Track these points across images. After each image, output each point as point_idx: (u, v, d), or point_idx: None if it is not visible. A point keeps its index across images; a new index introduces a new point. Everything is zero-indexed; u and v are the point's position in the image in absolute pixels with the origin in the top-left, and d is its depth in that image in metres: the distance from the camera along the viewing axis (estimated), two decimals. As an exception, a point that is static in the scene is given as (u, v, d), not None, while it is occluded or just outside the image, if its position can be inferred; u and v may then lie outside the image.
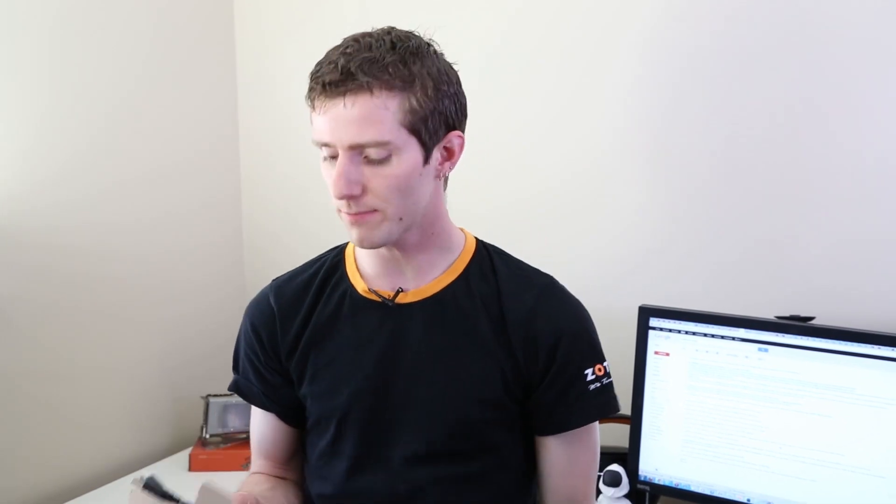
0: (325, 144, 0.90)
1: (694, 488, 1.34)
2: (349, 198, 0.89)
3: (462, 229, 1.05)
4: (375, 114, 0.87)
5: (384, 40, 0.89)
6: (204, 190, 1.85)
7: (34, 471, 1.51)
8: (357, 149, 0.88)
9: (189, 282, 1.82)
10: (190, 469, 1.64)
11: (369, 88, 0.86)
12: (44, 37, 1.49)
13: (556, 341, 0.97)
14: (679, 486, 1.35)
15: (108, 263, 1.63)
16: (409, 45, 0.90)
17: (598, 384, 0.99)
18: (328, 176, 0.91)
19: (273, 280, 1.10)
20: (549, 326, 0.98)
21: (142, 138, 1.69)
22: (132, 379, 1.70)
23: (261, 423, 1.11)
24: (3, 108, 1.43)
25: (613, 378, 1.03)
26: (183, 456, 1.70)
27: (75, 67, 1.54)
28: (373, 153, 0.88)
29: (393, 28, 0.92)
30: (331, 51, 0.91)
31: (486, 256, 1.03)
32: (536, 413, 1.00)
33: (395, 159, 0.89)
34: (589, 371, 0.98)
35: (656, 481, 1.37)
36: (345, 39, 0.91)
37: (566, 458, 1.01)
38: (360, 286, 1.02)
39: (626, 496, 1.38)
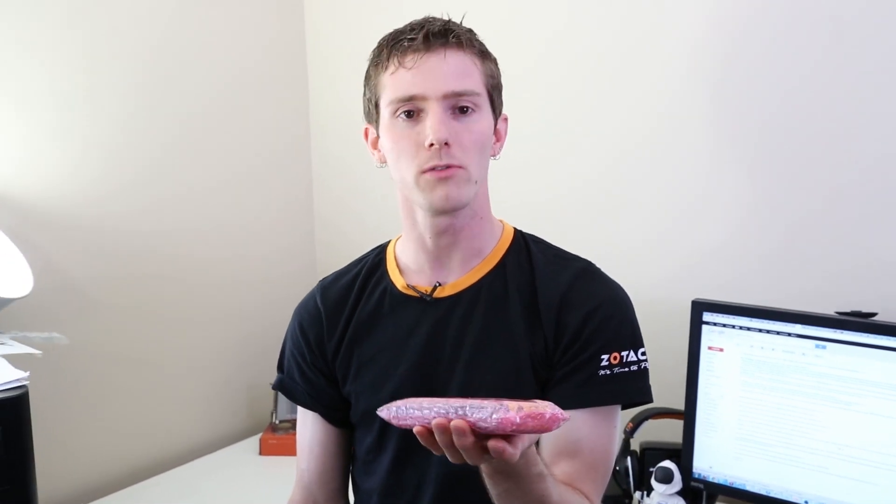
0: (411, 98, 0.92)
1: (749, 488, 1.31)
2: (445, 145, 0.90)
3: (501, 220, 1.06)
4: (469, 67, 0.94)
5: (455, 22, 0.96)
6: (279, 193, 1.96)
7: (119, 449, 1.64)
8: (451, 98, 0.92)
9: (264, 279, 1.92)
10: (260, 453, 1.73)
11: (463, 46, 0.93)
12: (131, 53, 1.61)
13: (582, 323, 0.96)
14: (734, 485, 1.33)
15: (190, 263, 1.75)
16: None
17: (608, 372, 0.95)
18: (403, 136, 0.93)
19: (319, 281, 1.13)
20: (580, 307, 0.96)
21: (221, 145, 1.81)
22: (210, 368, 1.81)
23: (306, 425, 1.12)
24: (96, 116, 1.56)
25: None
26: (254, 440, 1.79)
27: (158, 79, 1.67)
28: (465, 102, 0.92)
29: None
30: (403, 26, 0.95)
31: (524, 245, 1.04)
32: (544, 387, 0.98)
33: (477, 115, 0.94)
34: (605, 357, 0.95)
35: (710, 479, 1.35)
36: (414, 21, 0.96)
37: (561, 440, 0.94)
38: (400, 282, 1.04)
39: (680, 493, 1.37)
